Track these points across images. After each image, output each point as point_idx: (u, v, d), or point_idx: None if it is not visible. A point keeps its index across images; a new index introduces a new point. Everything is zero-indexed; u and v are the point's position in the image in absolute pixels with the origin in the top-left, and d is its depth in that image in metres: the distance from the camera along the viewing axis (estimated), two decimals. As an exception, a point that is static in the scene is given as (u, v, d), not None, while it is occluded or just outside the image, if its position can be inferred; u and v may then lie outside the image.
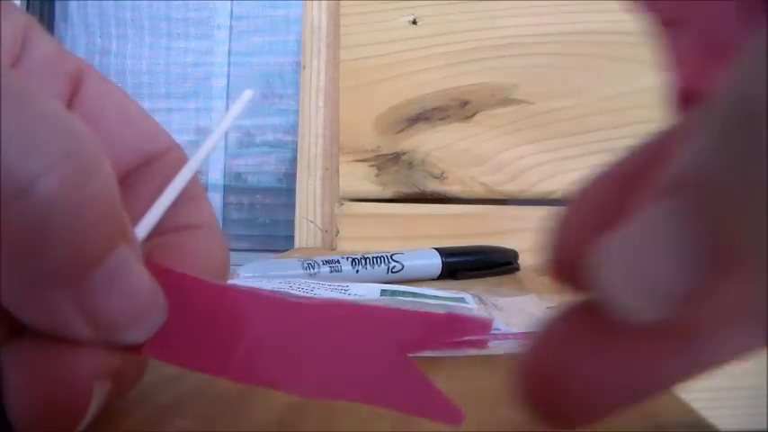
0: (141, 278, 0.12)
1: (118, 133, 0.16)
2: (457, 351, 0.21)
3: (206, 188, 1.47)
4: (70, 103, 0.16)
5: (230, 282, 0.16)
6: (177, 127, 1.44)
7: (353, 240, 0.62)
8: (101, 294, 0.12)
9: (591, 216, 0.12)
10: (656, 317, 0.09)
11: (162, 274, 0.13)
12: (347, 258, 0.39)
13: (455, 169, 0.62)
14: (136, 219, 0.15)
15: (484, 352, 0.21)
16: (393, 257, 0.40)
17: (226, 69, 1.42)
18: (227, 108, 1.43)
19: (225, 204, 1.46)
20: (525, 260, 0.60)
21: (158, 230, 0.15)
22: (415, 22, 0.64)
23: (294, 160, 0.67)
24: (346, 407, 0.17)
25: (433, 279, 0.42)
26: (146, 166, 0.17)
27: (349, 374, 0.13)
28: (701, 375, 0.11)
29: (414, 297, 0.30)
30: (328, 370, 0.13)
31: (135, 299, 0.12)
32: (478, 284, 0.40)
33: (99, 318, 0.12)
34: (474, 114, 0.63)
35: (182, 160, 0.17)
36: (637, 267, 0.09)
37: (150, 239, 0.15)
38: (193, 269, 0.14)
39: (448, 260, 0.42)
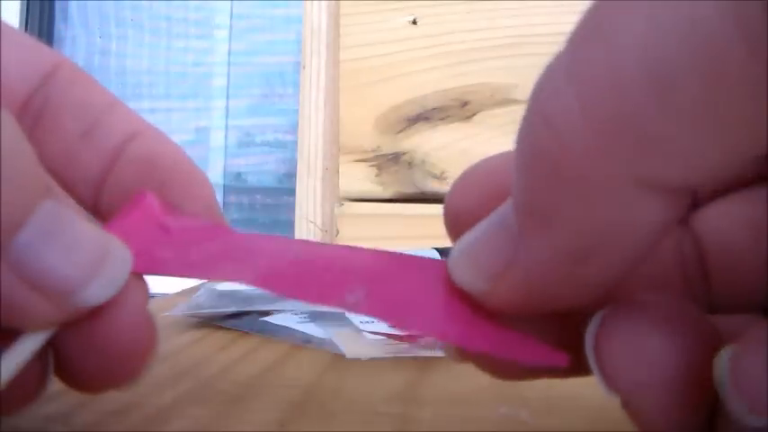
0: (80, 232, 0.12)
1: (4, 59, 0.15)
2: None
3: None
4: None
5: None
6: (177, 127, 1.44)
7: (353, 240, 0.62)
8: (34, 256, 0.11)
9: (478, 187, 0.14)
10: None
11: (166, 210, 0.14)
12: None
13: (455, 169, 0.62)
14: (61, 147, 0.15)
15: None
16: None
17: (226, 69, 1.42)
18: (226, 108, 1.43)
19: (225, 204, 1.46)
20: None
21: (108, 147, 0.15)
22: (415, 22, 0.64)
23: (294, 160, 0.67)
24: (346, 407, 0.17)
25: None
26: (45, 86, 0.15)
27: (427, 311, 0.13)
28: None
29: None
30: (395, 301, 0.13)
31: (77, 254, 0.11)
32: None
33: (43, 282, 0.11)
34: (474, 114, 0.63)
35: (75, 73, 0.16)
36: None
37: (114, 158, 0.15)
38: (167, 165, 0.14)
39: (448, 260, 0.42)
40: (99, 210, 0.15)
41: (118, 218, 0.14)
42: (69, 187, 0.15)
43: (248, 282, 0.13)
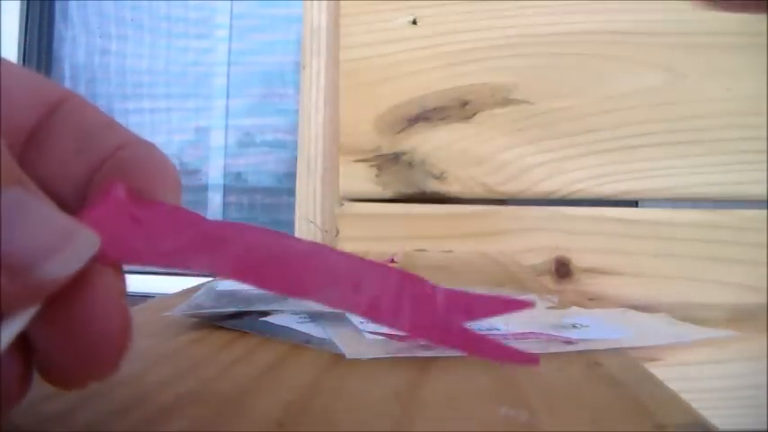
0: (44, 214, 0.13)
1: (10, 89, 0.16)
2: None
3: (206, 188, 1.47)
4: None
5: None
6: (177, 127, 1.44)
7: (353, 240, 0.62)
8: None
9: None
10: None
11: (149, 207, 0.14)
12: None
13: (455, 169, 0.62)
14: (57, 164, 0.16)
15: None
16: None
17: (226, 69, 1.42)
18: (226, 108, 1.43)
19: (225, 204, 1.46)
20: (525, 260, 0.60)
21: (98, 158, 0.16)
22: (415, 22, 0.64)
23: (294, 160, 0.67)
24: (346, 407, 0.17)
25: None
26: (50, 115, 0.17)
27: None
28: None
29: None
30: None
31: (39, 232, 0.12)
32: (478, 285, 0.40)
33: (4, 259, 0.12)
34: (474, 114, 0.63)
35: (82, 104, 0.17)
36: None
37: (101, 167, 0.16)
38: (153, 176, 0.15)
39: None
40: None
41: (88, 208, 0.15)
42: (62, 199, 0.15)
43: (219, 273, 0.13)
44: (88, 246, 0.13)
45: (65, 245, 0.13)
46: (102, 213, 0.14)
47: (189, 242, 0.14)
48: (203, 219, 0.15)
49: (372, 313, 0.13)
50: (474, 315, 0.14)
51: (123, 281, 0.15)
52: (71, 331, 0.13)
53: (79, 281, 0.13)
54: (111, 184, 0.15)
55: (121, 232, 0.14)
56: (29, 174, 0.13)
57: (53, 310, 0.13)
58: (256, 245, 0.14)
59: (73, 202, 0.16)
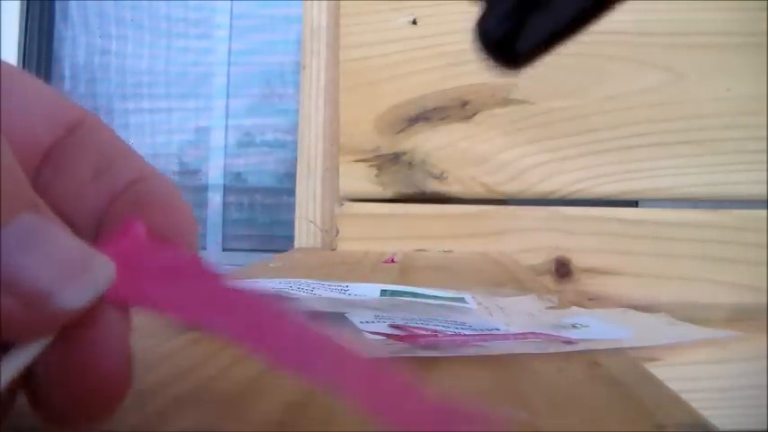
0: (60, 241, 0.12)
1: (28, 108, 0.16)
2: (457, 351, 0.21)
3: (206, 188, 1.47)
4: None
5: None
6: (177, 127, 1.44)
7: (353, 240, 0.62)
8: (10, 262, 0.11)
9: None
10: None
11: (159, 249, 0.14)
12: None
13: (455, 169, 0.62)
14: (73, 188, 0.15)
15: (483, 352, 0.22)
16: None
17: (226, 69, 1.42)
18: (226, 108, 1.43)
19: (225, 204, 1.46)
20: (525, 260, 0.60)
21: (114, 189, 0.16)
22: (415, 22, 0.64)
23: (294, 160, 0.67)
24: (346, 407, 0.17)
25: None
26: (68, 137, 0.17)
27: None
28: None
29: (413, 297, 0.30)
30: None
31: (55, 261, 0.12)
32: (478, 285, 0.40)
33: (19, 287, 0.11)
34: (474, 114, 0.63)
35: (99, 126, 0.17)
36: None
37: (114, 200, 0.16)
38: (172, 216, 0.15)
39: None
40: None
41: (104, 242, 0.14)
42: (74, 224, 0.15)
43: (222, 337, 0.13)
44: (105, 275, 0.13)
45: (81, 273, 0.12)
46: (119, 251, 0.14)
47: (197, 296, 0.14)
48: (216, 273, 0.14)
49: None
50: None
51: (130, 321, 0.14)
52: (70, 369, 0.13)
53: (85, 316, 0.13)
54: (131, 222, 0.14)
55: (136, 274, 0.14)
56: (43, 196, 0.13)
57: (55, 343, 0.13)
58: (264, 324, 0.14)
59: (86, 230, 0.15)
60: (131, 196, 0.16)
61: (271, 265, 0.47)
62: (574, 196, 0.62)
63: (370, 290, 0.31)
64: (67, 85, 1.47)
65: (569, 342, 0.23)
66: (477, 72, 0.63)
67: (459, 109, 0.63)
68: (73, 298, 0.12)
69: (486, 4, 0.17)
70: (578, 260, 0.61)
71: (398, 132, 0.63)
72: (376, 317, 0.25)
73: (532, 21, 0.16)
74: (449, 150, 0.62)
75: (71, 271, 0.12)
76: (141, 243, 0.14)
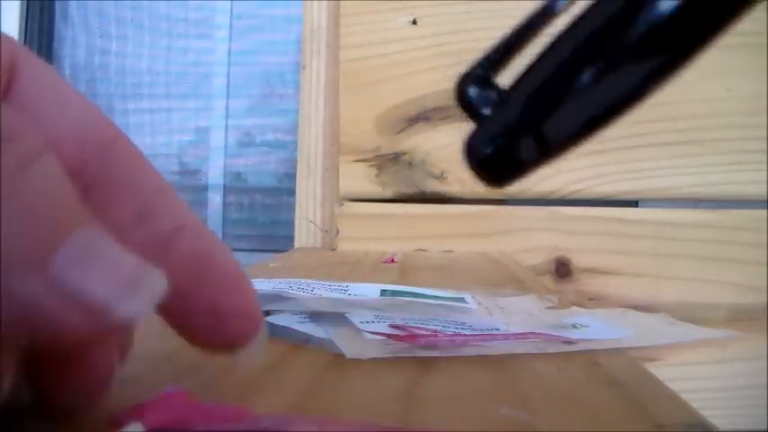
0: (116, 255, 0.13)
1: (57, 120, 0.16)
2: (457, 351, 0.21)
3: (206, 188, 1.47)
4: (6, 93, 0.15)
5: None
6: (177, 127, 1.44)
7: (353, 240, 0.62)
8: (71, 275, 0.12)
9: None
10: None
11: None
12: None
13: (455, 169, 0.62)
14: (114, 228, 0.15)
15: (483, 352, 0.22)
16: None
17: (226, 69, 1.42)
18: (226, 108, 1.43)
19: (225, 204, 1.46)
20: (525, 260, 0.60)
21: (161, 232, 0.16)
22: (415, 22, 0.64)
23: (294, 160, 0.67)
24: (346, 407, 0.17)
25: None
26: (100, 158, 0.16)
27: None
28: None
29: (413, 297, 0.30)
30: None
31: (112, 274, 0.12)
32: (478, 285, 0.40)
33: (79, 299, 0.12)
34: (474, 114, 0.62)
35: (131, 149, 0.17)
36: None
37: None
38: (230, 297, 0.15)
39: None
40: None
41: (146, 408, 0.14)
42: None
43: None
44: (159, 287, 0.13)
45: (137, 286, 0.13)
46: (162, 421, 0.14)
47: None
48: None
49: None
50: None
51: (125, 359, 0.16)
52: (62, 380, 0.14)
53: (83, 351, 0.14)
54: (173, 393, 0.15)
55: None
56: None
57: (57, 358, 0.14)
58: None
59: None
60: (182, 254, 0.16)
61: (271, 265, 0.47)
62: (574, 196, 0.62)
63: (370, 290, 0.31)
64: (67, 85, 1.47)
65: (569, 342, 0.23)
66: (477, 72, 0.63)
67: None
68: (131, 310, 0.12)
69: (476, 122, 0.18)
70: (578, 260, 0.61)
71: (398, 132, 0.63)
72: (376, 317, 0.25)
73: (566, 108, 0.16)
74: (449, 150, 0.62)
75: (128, 284, 0.12)
76: (185, 410, 0.14)
